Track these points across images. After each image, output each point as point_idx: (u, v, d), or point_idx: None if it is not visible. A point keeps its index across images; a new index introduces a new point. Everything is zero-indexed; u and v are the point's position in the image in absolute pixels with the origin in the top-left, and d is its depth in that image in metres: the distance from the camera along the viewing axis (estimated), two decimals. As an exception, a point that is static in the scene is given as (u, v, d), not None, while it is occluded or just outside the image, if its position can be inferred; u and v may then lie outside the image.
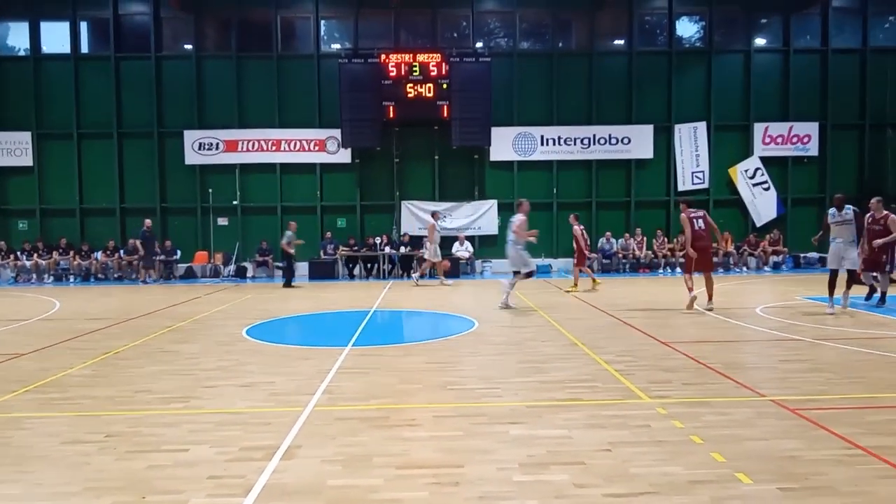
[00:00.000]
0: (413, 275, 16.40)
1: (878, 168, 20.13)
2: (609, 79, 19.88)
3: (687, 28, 20.52)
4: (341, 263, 18.85)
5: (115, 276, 18.59)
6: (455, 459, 4.18)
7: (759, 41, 20.23)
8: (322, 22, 20.18)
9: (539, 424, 4.87)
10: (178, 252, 19.05)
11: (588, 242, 15.25)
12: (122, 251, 18.82)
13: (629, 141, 19.75)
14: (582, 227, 14.89)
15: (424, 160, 19.89)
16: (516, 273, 11.39)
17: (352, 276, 18.68)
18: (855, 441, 4.40)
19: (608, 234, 19.34)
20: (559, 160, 19.84)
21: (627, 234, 19.41)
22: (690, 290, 10.85)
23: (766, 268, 18.87)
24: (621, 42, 20.19)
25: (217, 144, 19.50)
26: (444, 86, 18.63)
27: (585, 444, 4.41)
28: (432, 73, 18.65)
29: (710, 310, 10.79)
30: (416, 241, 19.03)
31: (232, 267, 19.13)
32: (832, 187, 19.85)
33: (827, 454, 4.19)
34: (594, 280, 14.81)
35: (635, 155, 19.82)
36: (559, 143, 19.80)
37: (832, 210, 10.46)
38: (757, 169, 19.82)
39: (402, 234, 19.22)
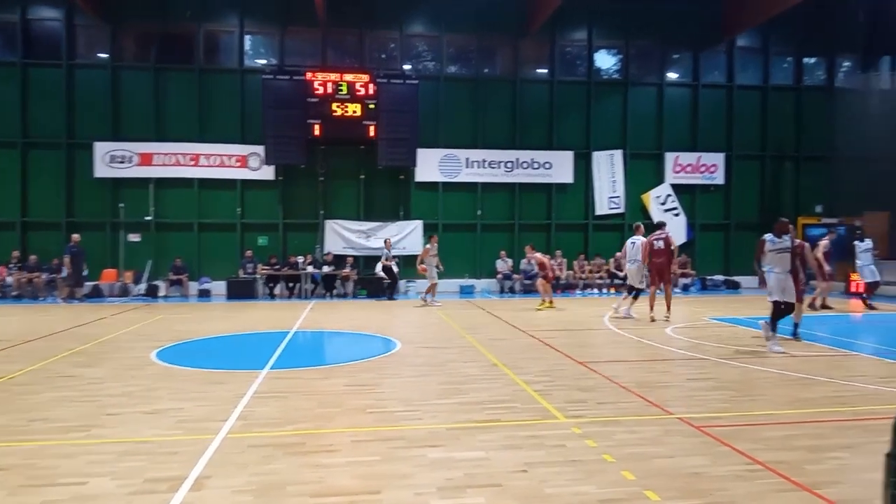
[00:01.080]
0: (427, 297, 16.09)
1: (777, 196, 21.61)
2: (532, 105, 20.48)
3: (605, 60, 21.47)
4: (261, 283, 18.34)
5: (13, 294, 17.31)
6: (372, 485, 4.13)
7: (671, 75, 21.41)
8: (247, 37, 19.80)
9: (458, 447, 4.88)
10: (86, 269, 17.98)
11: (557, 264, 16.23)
12: (21, 267, 17.56)
13: (550, 166, 20.35)
14: (539, 253, 15.99)
15: (350, 179, 19.75)
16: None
17: (272, 296, 18.20)
18: (754, 456, 4.66)
19: (537, 255, 19.73)
20: (483, 182, 20.18)
21: (548, 256, 19.86)
22: (652, 307, 12.46)
23: (675, 290, 19.76)
24: (544, 70, 20.88)
25: (131, 157, 18.65)
26: (372, 106, 18.63)
27: (502, 466, 4.45)
28: (359, 93, 18.63)
29: (667, 318, 12.31)
30: (340, 261, 18.82)
31: (143, 285, 18.24)
32: (736, 214, 21.20)
33: (729, 470, 4.41)
34: (549, 302, 15.04)
35: (556, 179, 20.43)
36: (484, 166, 20.15)
37: (770, 235, 9.28)
38: (668, 195, 20.86)
39: (325, 253, 18.94)
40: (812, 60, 22.09)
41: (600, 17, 20.54)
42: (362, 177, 19.68)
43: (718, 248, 21.30)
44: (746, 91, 21.33)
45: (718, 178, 21.14)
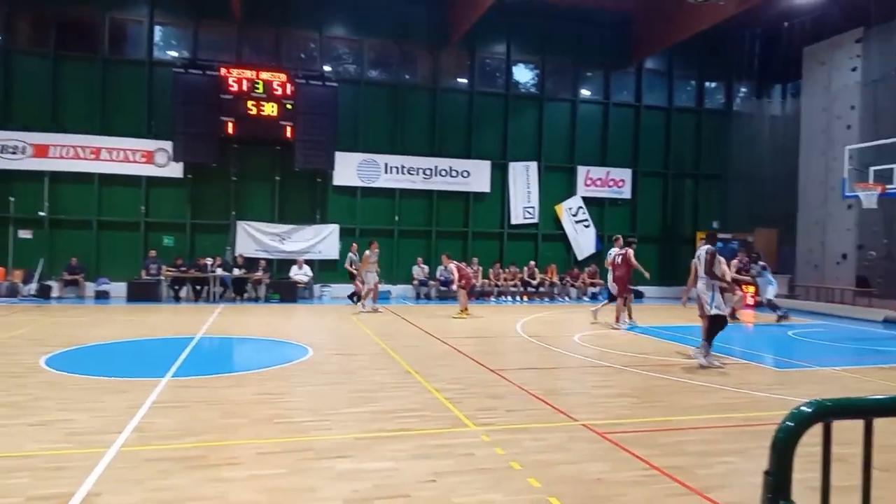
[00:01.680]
0: (361, 303, 15.60)
1: (679, 212, 22.89)
2: (451, 114, 20.71)
3: (523, 74, 22.03)
4: (166, 285, 17.49)
5: None
6: (276, 500, 4.02)
7: (585, 92, 22.26)
8: (157, 28, 18.90)
9: (367, 457, 4.84)
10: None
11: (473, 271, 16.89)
12: None
13: (468, 174, 20.64)
14: (454, 263, 15.92)
15: (265, 180, 19.23)
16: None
17: (178, 300, 17.39)
18: (651, 462, 4.88)
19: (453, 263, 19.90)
20: (402, 188, 20.19)
21: (465, 263, 20.11)
22: (618, 319, 13.20)
23: (585, 298, 20.55)
24: (464, 81, 21.17)
25: (24, 148, 17.34)
26: (289, 106, 18.24)
27: (411, 476, 4.45)
28: (276, 93, 18.20)
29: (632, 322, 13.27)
30: (251, 263, 18.26)
31: (33, 286, 16.97)
32: (641, 227, 22.27)
33: (628, 476, 4.60)
34: (464, 310, 15.02)
35: (473, 188, 20.74)
36: (402, 172, 20.17)
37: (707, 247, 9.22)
38: (579, 208, 21.64)
39: (236, 255, 18.32)
40: (712, 85, 23.58)
41: (518, 32, 21.07)
42: (278, 178, 19.22)
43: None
44: (652, 111, 22.48)
45: (625, 193, 22.15)
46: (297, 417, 5.94)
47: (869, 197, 13.94)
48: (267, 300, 17.78)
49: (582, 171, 21.72)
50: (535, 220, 21.33)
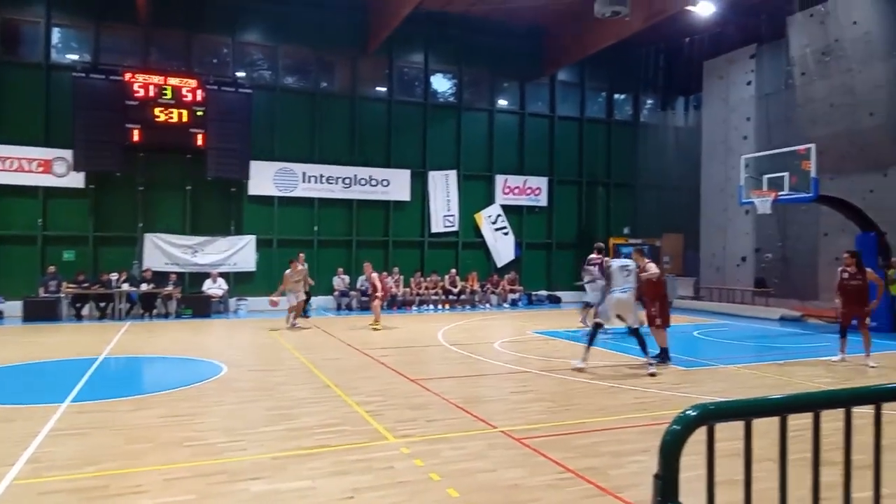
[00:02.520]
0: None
1: (593, 218, 23.73)
2: (370, 123, 20.61)
3: (441, 83, 22.24)
4: (66, 303, 16.40)
5: None
6: (185, 527, 3.83)
7: (501, 102, 22.72)
8: (55, 29, 17.79)
9: (283, 477, 4.70)
10: None
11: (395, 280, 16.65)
12: None
13: (388, 183, 20.59)
14: (375, 273, 15.60)
15: (175, 190, 18.43)
16: None
17: (80, 318, 16.33)
18: (567, 465, 5.01)
19: (376, 274, 19.74)
20: (321, 198, 19.88)
21: (385, 273, 20.03)
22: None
23: (504, 304, 20.90)
24: (382, 89, 21.13)
25: None
26: (200, 113, 17.61)
27: (328, 494, 4.36)
28: (186, 99, 17.52)
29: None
30: (161, 278, 17.43)
31: (-87, 307, 15.52)
32: (558, 234, 22.91)
33: (543, 480, 4.70)
34: (375, 321, 14.70)
35: (393, 197, 20.70)
36: (321, 181, 19.86)
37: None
38: (498, 215, 22.03)
39: (144, 269, 17.43)
40: (621, 97, 24.62)
41: (436, 42, 21.27)
42: (189, 188, 18.46)
43: (542, 266, 22.85)
44: (566, 122, 23.23)
45: (542, 201, 22.73)
46: (209, 439, 5.70)
47: (763, 203, 14.91)
48: (178, 316, 17.02)
49: (500, 179, 22.12)
50: (456, 229, 21.52)
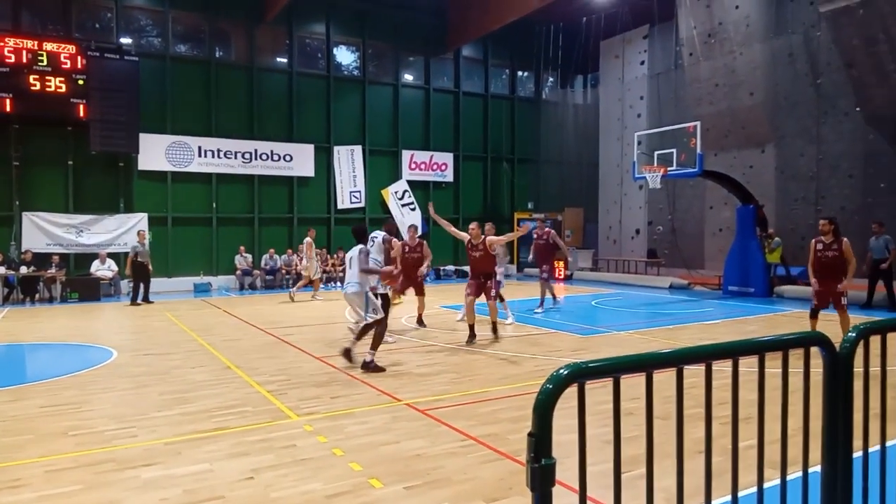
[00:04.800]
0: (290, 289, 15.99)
1: (498, 193, 24.19)
2: (270, 95, 19.88)
3: (344, 56, 21.76)
4: (-68, 289, 14.94)
5: None
6: (69, 520, 3.64)
7: (407, 77, 22.55)
8: None
9: (178, 462, 4.54)
10: None
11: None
12: None
13: (291, 158, 20.02)
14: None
15: (55, 166, 17.06)
16: None
17: (-52, 305, 14.94)
18: (468, 432, 5.14)
19: (272, 250, 19.25)
20: (219, 173, 19.05)
21: (290, 250, 19.61)
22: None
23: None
24: (283, 60, 20.40)
25: None
26: (81, 82, 16.33)
27: (227, 476, 4.26)
28: (65, 66, 16.18)
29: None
30: (43, 260, 16.19)
31: None
32: (464, 209, 23.19)
33: (445, 448, 4.80)
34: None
35: (297, 172, 20.17)
36: (219, 156, 19.02)
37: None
38: (405, 191, 22.00)
39: (23, 251, 16.11)
40: (524, 74, 25.08)
41: (337, 13, 20.74)
42: (71, 163, 17.17)
43: (449, 241, 23.06)
44: (471, 97, 23.42)
45: (448, 176, 22.90)
46: (96, 427, 5.40)
47: (654, 178, 15.74)
48: (64, 300, 15.92)
49: (406, 154, 22.05)
50: (362, 205, 21.31)
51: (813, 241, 8.45)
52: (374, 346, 7.56)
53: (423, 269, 10.76)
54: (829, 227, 8.18)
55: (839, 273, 8.11)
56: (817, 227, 8.57)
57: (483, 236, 9.77)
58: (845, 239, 8.18)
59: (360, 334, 7.87)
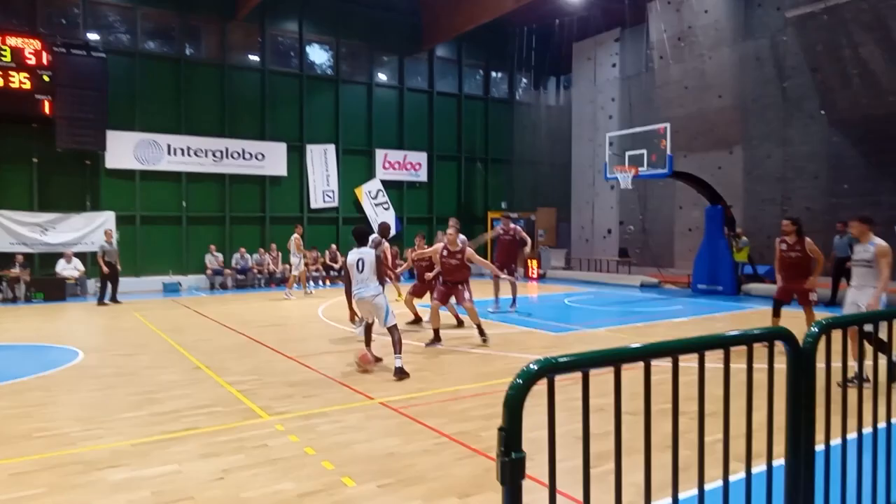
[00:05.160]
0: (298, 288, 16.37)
1: (471, 193, 24.25)
2: (242, 93, 19.64)
3: (318, 55, 21.61)
4: None
5: None
6: (33, 523, 3.56)
7: (381, 76, 22.48)
8: None
9: (146, 463, 4.47)
10: None
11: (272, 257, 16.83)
12: None
13: (263, 157, 19.80)
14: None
15: (19, 163, 16.62)
16: None
17: None
18: (441, 430, 5.15)
19: (242, 249, 19.02)
20: (189, 172, 18.77)
21: (262, 249, 19.41)
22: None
23: (387, 279, 20.91)
24: (255, 58, 20.17)
25: None
26: (46, 78, 15.95)
27: (197, 477, 4.21)
28: (29, 62, 15.80)
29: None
30: (6, 259, 15.79)
31: None
32: (438, 209, 23.21)
33: (419, 446, 4.81)
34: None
35: (269, 171, 19.97)
36: (189, 154, 18.73)
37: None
38: (378, 190, 21.93)
39: (-15, 250, 15.70)
40: (498, 75, 25.19)
41: (310, 10, 20.60)
42: (36, 160, 16.75)
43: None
44: (445, 97, 23.44)
45: (422, 176, 22.89)
46: (62, 429, 5.29)
47: (625, 178, 15.94)
48: (28, 300, 15.53)
49: (380, 154, 21.98)
50: (336, 204, 21.18)
51: (777, 240, 8.52)
52: (401, 349, 7.19)
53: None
54: (792, 227, 8.22)
55: (804, 272, 8.25)
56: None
57: (461, 245, 9.34)
58: (808, 238, 8.22)
59: (369, 339, 7.70)
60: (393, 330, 7.29)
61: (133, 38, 18.30)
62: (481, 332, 9.02)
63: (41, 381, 7.11)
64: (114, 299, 14.95)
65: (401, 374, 7.02)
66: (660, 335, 9.84)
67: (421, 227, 22.76)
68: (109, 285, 14.95)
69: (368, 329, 7.75)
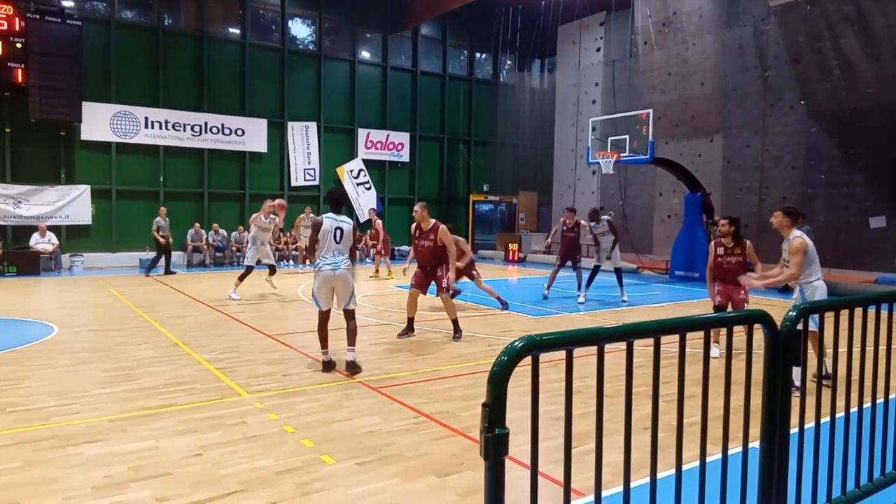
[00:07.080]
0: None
1: (454, 175, 24.19)
2: (222, 67, 19.29)
3: (300, 29, 21.25)
4: None
5: None
6: (7, 498, 3.51)
7: (364, 54, 22.21)
8: None
9: (122, 439, 4.43)
10: None
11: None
12: None
13: (243, 132, 19.52)
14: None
15: (-11, 132, 16.23)
16: None
17: None
18: (421, 410, 5.18)
19: (215, 225, 18.77)
20: (167, 146, 18.44)
21: (241, 227, 19.19)
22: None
23: (367, 260, 20.85)
24: (235, 31, 19.79)
25: None
26: (19, 45, 15.51)
27: (174, 453, 4.18)
28: (1, 28, 15.34)
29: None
30: (-23, 232, 15.46)
31: None
32: (420, 190, 23.13)
33: (398, 425, 4.83)
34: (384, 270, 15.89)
35: (250, 147, 19.70)
36: (167, 128, 18.39)
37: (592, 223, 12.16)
38: (360, 170, 21.77)
39: (-46, 222, 15.34)
40: (482, 56, 25.02)
41: (294, -16, 20.22)
42: (8, 130, 16.34)
43: (405, 221, 22.99)
44: (429, 77, 23.25)
45: (405, 156, 22.76)
46: (35, 404, 5.22)
47: (607, 163, 16.02)
48: (1, 274, 15.23)
49: (363, 133, 21.79)
50: (317, 182, 21.00)
51: (713, 243, 7.37)
52: (355, 341, 6.50)
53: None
54: (729, 228, 7.10)
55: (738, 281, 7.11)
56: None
57: (433, 222, 8.12)
58: (748, 242, 7.18)
59: (325, 337, 6.65)
60: (351, 315, 6.57)
61: (109, 7, 17.81)
62: (455, 329, 8.18)
63: (14, 356, 6.99)
64: (168, 271, 15.71)
65: (353, 368, 6.30)
66: (638, 319, 9.95)
67: (402, 208, 22.78)
68: (163, 259, 15.73)
69: (325, 319, 6.62)
